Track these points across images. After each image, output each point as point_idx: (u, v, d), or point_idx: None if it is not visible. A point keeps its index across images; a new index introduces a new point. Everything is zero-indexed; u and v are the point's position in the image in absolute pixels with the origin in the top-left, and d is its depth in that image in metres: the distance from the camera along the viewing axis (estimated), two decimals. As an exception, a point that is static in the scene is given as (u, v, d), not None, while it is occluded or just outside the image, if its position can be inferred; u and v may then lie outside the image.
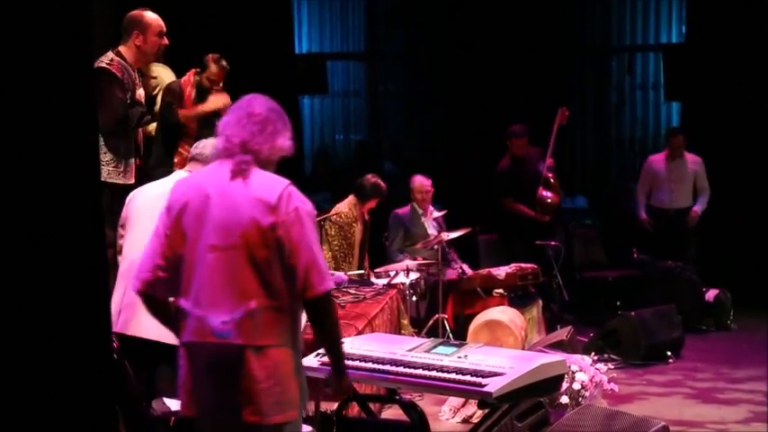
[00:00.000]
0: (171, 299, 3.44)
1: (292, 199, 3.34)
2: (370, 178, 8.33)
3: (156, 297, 3.46)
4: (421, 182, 8.96)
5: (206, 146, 4.74)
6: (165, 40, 6.58)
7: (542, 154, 9.36)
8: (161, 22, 6.51)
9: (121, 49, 6.38)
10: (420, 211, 8.94)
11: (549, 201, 9.31)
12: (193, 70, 7.60)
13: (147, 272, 3.42)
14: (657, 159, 10.15)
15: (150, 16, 6.45)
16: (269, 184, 3.37)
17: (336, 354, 3.51)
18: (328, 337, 3.48)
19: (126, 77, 6.28)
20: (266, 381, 3.28)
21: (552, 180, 9.37)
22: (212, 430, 3.42)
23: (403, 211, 8.93)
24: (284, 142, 3.50)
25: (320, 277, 3.30)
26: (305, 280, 3.29)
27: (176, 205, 3.43)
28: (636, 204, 10.15)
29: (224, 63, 7.32)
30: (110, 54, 6.30)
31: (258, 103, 3.51)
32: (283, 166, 3.68)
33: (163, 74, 9.61)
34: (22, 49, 2.12)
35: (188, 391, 3.41)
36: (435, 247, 8.17)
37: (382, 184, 8.36)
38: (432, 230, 8.82)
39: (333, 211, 8.18)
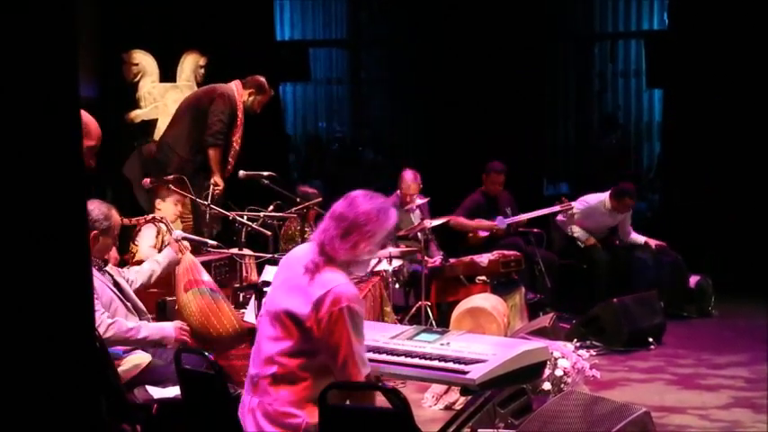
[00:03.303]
0: None
1: (335, 301, 3.49)
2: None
3: None
4: (411, 179, 8.81)
5: None
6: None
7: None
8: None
9: None
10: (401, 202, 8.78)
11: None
12: (242, 86, 7.42)
13: None
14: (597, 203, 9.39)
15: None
16: (321, 284, 3.54)
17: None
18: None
19: None
20: None
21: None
22: None
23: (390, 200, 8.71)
24: (366, 247, 3.62)
25: (356, 370, 3.50)
26: (342, 374, 3.49)
27: (281, 265, 3.84)
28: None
29: None
30: None
31: (351, 208, 3.62)
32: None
33: (144, 61, 9.60)
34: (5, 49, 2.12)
35: None
36: (419, 234, 8.17)
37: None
38: (415, 219, 8.78)
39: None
